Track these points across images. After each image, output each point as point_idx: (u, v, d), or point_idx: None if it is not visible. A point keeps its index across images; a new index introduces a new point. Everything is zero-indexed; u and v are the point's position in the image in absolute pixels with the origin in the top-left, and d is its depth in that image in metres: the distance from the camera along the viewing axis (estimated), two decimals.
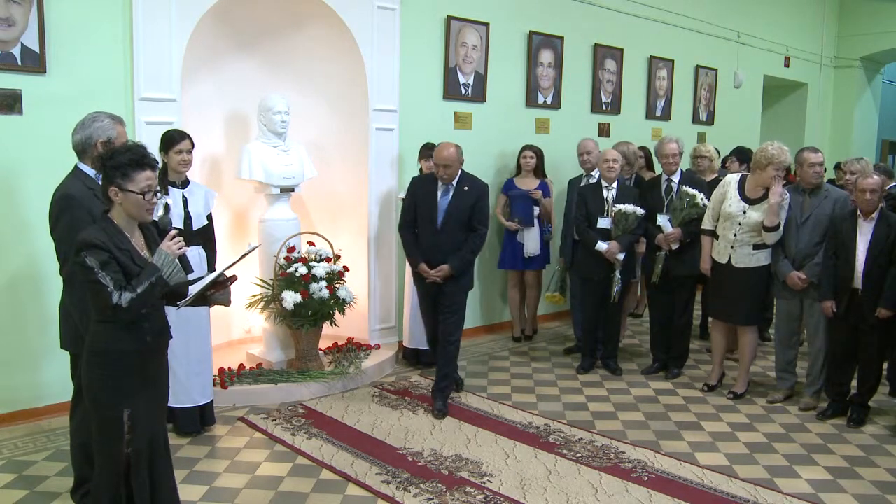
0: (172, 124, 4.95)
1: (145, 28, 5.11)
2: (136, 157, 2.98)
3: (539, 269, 7.14)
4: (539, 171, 7.03)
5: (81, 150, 3.67)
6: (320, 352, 5.95)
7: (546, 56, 7.76)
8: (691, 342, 6.51)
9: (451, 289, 5.33)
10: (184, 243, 3.10)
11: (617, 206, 5.94)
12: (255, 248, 3.64)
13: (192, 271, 3.35)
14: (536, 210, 6.90)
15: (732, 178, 5.63)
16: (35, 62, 4.74)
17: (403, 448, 4.66)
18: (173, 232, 3.10)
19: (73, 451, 3.80)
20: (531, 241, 6.91)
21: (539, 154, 7.03)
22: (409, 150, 6.50)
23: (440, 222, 5.27)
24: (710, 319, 6.37)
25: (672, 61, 9.35)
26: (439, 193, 5.30)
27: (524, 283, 7.20)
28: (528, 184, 6.96)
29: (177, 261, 3.04)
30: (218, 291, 3.31)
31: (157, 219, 3.45)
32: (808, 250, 5.28)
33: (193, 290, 3.22)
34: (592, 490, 4.14)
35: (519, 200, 6.91)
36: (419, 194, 5.38)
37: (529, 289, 7.20)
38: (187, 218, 4.63)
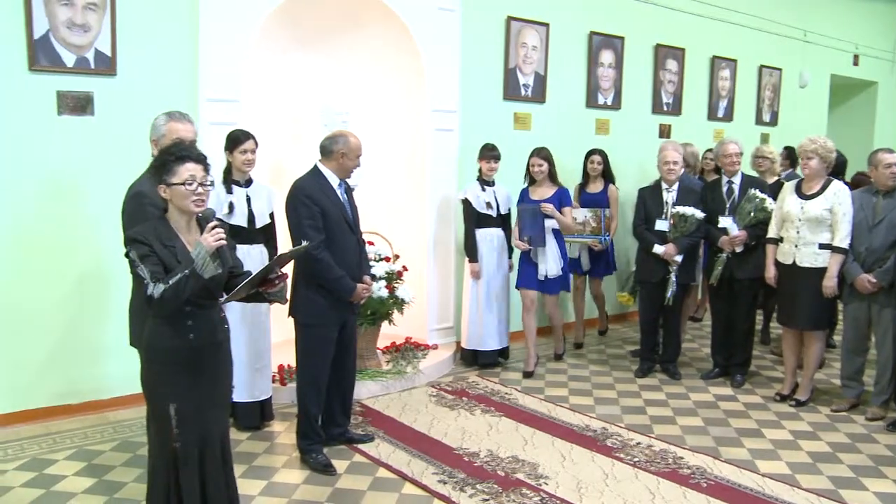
0: (236, 125, 5.02)
1: (211, 30, 5.23)
2: (175, 151, 3.03)
3: (557, 293, 6.26)
4: (606, 175, 6.84)
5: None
6: (378, 351, 6.00)
7: (606, 56, 7.69)
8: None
9: (354, 317, 4.59)
10: (223, 234, 2.97)
11: (675, 207, 5.88)
12: (306, 245, 3.71)
13: (231, 264, 3.26)
14: (550, 223, 6.03)
15: (789, 184, 5.63)
16: (107, 65, 4.90)
17: (460, 448, 4.67)
18: (212, 223, 2.99)
19: None
20: (550, 262, 6.03)
21: (603, 157, 6.82)
22: (469, 150, 6.50)
23: (356, 227, 4.45)
24: (770, 326, 6.22)
25: (735, 61, 9.18)
26: (339, 193, 4.38)
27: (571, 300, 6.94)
28: (542, 194, 6.09)
29: (209, 254, 2.93)
30: (270, 289, 3.23)
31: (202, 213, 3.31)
32: (879, 253, 5.14)
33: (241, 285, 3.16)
34: (650, 495, 4.09)
35: (527, 215, 5.96)
36: (323, 199, 4.27)
37: (550, 318, 6.49)
38: (251, 216, 4.72)
